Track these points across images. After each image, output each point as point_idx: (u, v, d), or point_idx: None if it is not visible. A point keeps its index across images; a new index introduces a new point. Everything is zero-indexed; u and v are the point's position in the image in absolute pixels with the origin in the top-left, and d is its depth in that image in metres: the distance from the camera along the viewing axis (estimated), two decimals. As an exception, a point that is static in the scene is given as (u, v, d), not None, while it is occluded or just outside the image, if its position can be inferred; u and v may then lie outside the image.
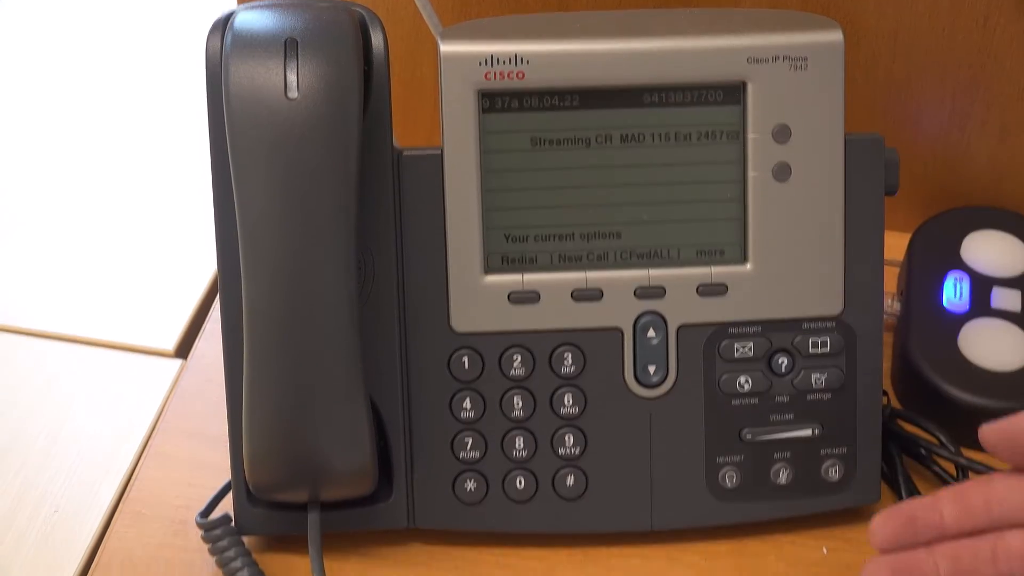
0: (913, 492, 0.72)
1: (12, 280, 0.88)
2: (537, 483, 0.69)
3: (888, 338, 0.77)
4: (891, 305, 0.80)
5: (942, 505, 0.60)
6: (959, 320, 0.78)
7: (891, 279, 0.82)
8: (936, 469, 0.74)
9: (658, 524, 0.70)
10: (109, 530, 0.71)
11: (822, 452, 0.70)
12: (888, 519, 0.60)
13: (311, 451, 0.65)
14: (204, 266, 0.89)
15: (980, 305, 0.79)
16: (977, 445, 0.71)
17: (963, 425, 0.73)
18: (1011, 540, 0.58)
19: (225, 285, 0.66)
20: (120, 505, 0.72)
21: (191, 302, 0.87)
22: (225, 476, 0.70)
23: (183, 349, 0.84)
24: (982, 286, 0.80)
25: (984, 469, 0.70)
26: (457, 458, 0.69)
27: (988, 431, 0.59)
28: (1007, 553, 0.58)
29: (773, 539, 0.72)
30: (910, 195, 0.82)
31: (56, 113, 1.05)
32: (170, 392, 0.79)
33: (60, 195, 0.97)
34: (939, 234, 0.84)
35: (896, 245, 0.83)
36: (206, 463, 0.73)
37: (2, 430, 0.78)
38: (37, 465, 0.76)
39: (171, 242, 0.92)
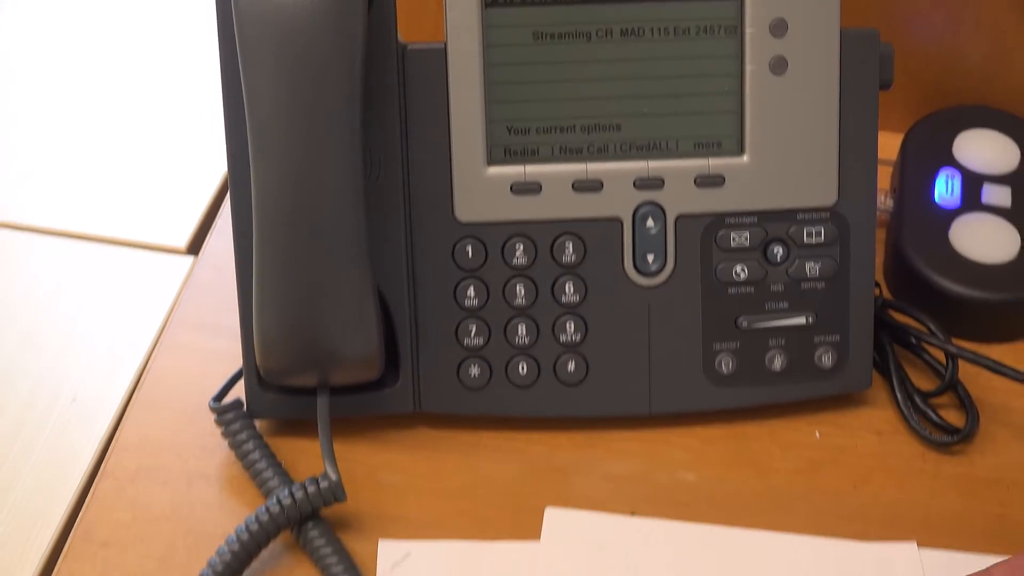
0: (904, 379, 0.73)
1: (30, 180, 0.88)
2: (539, 369, 0.70)
3: (881, 234, 0.78)
4: (884, 202, 0.81)
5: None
6: (950, 215, 0.79)
7: (884, 177, 0.82)
8: (926, 357, 0.75)
9: (656, 408, 0.71)
10: (125, 417, 0.72)
11: (815, 340, 0.71)
12: None
13: (319, 336, 0.66)
14: (215, 165, 0.89)
15: (971, 201, 0.79)
16: (967, 335, 0.72)
17: (953, 315, 0.75)
18: None
19: (235, 178, 0.67)
20: (135, 393, 0.73)
21: (203, 200, 0.87)
22: (237, 365, 0.70)
23: (195, 246, 0.85)
24: (973, 183, 0.80)
25: (973, 356, 0.71)
26: (461, 345, 0.70)
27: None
28: None
29: (767, 423, 0.72)
30: (904, 95, 0.83)
31: (72, 12, 1.05)
32: (182, 287, 0.80)
33: (75, 95, 0.97)
34: (931, 133, 0.84)
35: (890, 145, 0.83)
36: (218, 353, 0.74)
37: (21, 325, 0.79)
38: (55, 357, 0.77)
39: (183, 142, 0.92)
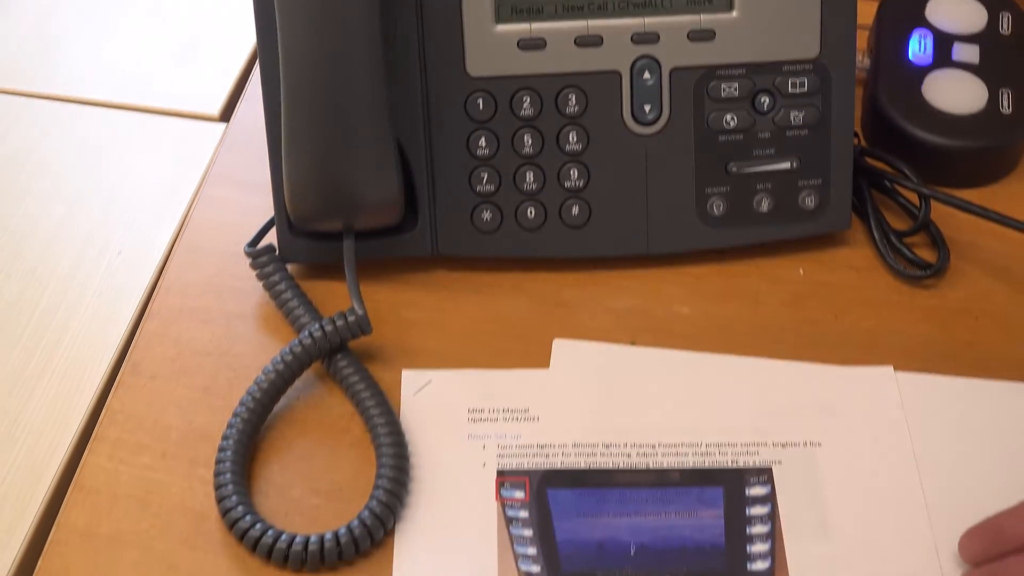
0: (880, 220, 0.73)
1: (74, 54, 0.87)
2: (546, 213, 0.70)
3: (858, 91, 0.77)
4: (862, 61, 0.80)
5: (1021, 516, 0.58)
6: (923, 71, 0.78)
7: (862, 40, 0.81)
8: (900, 200, 0.75)
9: (654, 248, 0.71)
10: (167, 264, 0.72)
11: (799, 183, 0.71)
12: (975, 535, 0.59)
13: (344, 183, 0.66)
14: (244, 38, 0.88)
15: (942, 58, 0.79)
16: (938, 180, 0.72)
17: (925, 162, 0.74)
18: None
19: (263, 44, 0.66)
20: (176, 242, 0.73)
21: (233, 71, 0.86)
22: (269, 216, 0.70)
23: (226, 113, 0.84)
24: (944, 42, 0.79)
25: (944, 197, 0.71)
26: (474, 191, 0.69)
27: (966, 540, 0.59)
28: None
29: (755, 262, 0.72)
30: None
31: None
32: (216, 149, 0.79)
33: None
34: (905, -1, 0.84)
35: (867, 11, 0.82)
36: (251, 206, 0.73)
37: (68, 188, 0.78)
38: (101, 216, 0.77)
39: (214, 17, 0.91)
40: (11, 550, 0.60)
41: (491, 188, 0.69)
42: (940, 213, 0.73)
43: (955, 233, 0.74)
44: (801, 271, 0.72)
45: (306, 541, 0.59)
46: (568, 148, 0.69)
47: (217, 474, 0.61)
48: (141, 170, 0.80)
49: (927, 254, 0.72)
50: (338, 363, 0.65)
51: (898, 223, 0.74)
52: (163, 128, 0.83)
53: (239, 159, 0.78)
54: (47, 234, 0.75)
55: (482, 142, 0.69)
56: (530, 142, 0.69)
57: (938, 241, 0.73)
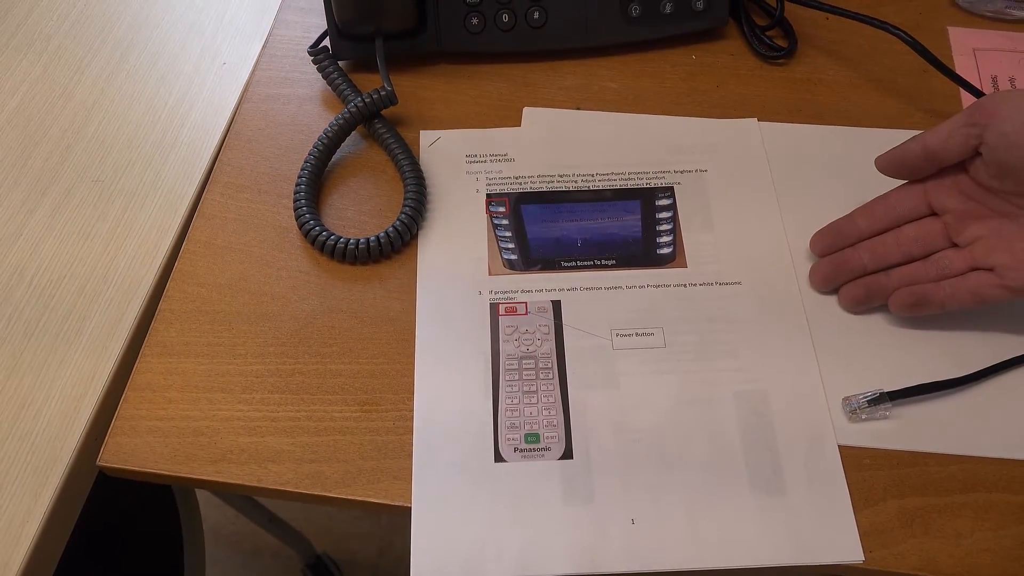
0: (748, 18, 0.69)
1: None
2: (516, 17, 0.66)
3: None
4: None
5: (857, 218, 0.55)
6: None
7: None
8: (762, 3, 0.70)
9: (591, 42, 0.67)
10: (255, 69, 0.68)
11: (692, -8, 0.66)
12: (821, 234, 0.56)
13: (374, -2, 0.61)
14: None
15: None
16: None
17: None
18: (906, 230, 0.54)
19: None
20: (261, 54, 0.69)
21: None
22: (325, 30, 0.66)
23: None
24: None
25: (793, -1, 0.67)
26: (465, 3, 0.65)
27: (881, 160, 0.54)
28: (905, 238, 0.54)
29: (663, 52, 0.69)
30: None
31: None
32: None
33: None
34: None
35: None
36: (312, 24, 0.70)
37: (186, 19, 0.73)
38: (211, 37, 0.72)
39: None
40: (157, 259, 0.58)
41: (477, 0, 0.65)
42: (791, 11, 0.69)
43: (802, 27, 0.70)
44: (693, 56, 0.68)
45: (358, 242, 0.57)
46: (530, -30, 0.64)
47: (295, 200, 0.59)
48: (237, 4, 0.75)
49: (781, 42, 0.68)
50: (375, 126, 0.62)
51: (760, 20, 0.69)
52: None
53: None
54: (174, 50, 0.70)
55: (469, -33, 0.64)
56: (503, -36, 0.64)
57: (789, 32, 0.69)
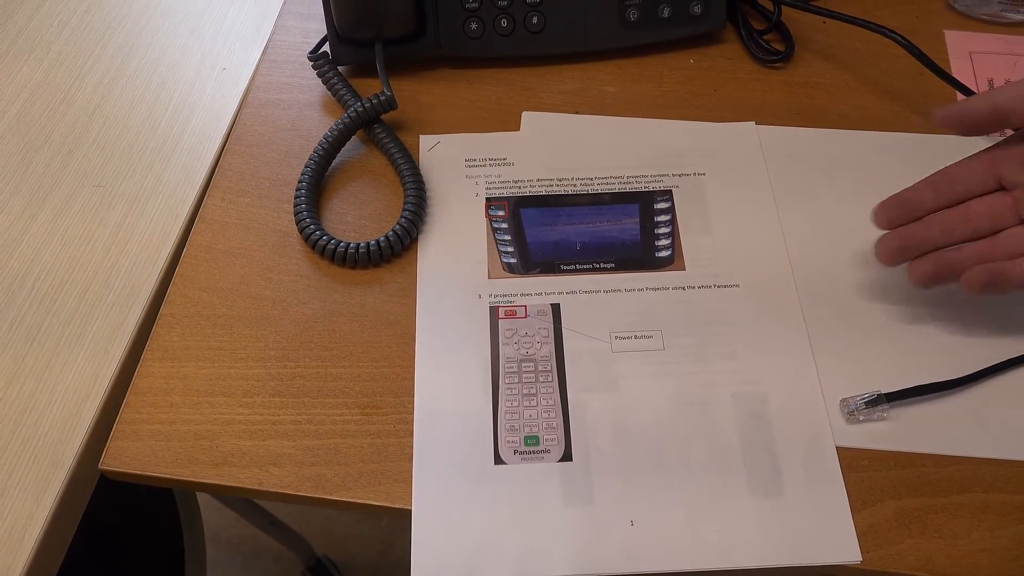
0: (746, 22, 0.69)
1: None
2: (515, 22, 0.66)
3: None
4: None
5: (921, 190, 0.53)
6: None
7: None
8: (759, 7, 0.71)
9: (589, 46, 0.67)
10: (256, 74, 0.69)
11: (690, -3, 0.66)
12: (884, 205, 0.53)
13: (375, 2, 0.61)
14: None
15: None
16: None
17: (778, -19, 0.69)
18: (975, 205, 0.52)
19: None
20: (261, 59, 0.69)
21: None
22: (324, 35, 0.66)
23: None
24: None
25: (791, 2, 0.67)
26: (464, 8, 0.65)
27: (942, 114, 0.51)
28: (975, 214, 0.52)
29: (661, 56, 0.69)
30: None
31: None
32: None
33: None
34: None
35: None
36: (312, 30, 0.70)
37: (187, 23, 0.74)
38: (210, 43, 0.72)
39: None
40: (158, 264, 0.58)
41: (476, 5, 0.65)
42: (788, 15, 0.70)
43: (799, 30, 0.70)
44: (691, 60, 0.68)
45: (358, 246, 0.57)
46: (528, -25, 0.65)
47: (296, 205, 0.59)
48: (237, 9, 0.75)
49: (779, 46, 0.69)
50: (375, 130, 0.63)
51: (758, 24, 0.70)
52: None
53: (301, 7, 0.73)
54: (174, 56, 0.71)
55: (468, -28, 0.64)
56: (501, -29, 0.64)
57: (786, 36, 0.69)
